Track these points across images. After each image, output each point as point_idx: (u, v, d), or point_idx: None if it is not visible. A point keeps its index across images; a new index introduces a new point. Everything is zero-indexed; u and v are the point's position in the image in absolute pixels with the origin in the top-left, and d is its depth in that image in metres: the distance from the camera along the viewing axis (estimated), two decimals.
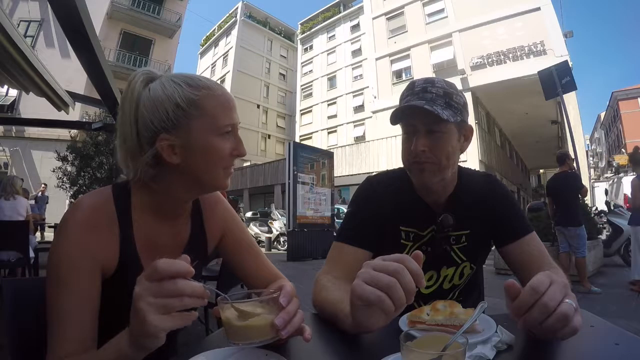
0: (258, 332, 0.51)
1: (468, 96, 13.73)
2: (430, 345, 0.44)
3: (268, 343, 0.52)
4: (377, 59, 19.94)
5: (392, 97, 18.01)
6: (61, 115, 4.89)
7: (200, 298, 0.46)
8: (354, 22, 25.75)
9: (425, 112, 0.81)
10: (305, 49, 29.72)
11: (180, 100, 0.64)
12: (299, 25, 31.17)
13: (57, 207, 8.97)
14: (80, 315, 0.59)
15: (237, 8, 31.23)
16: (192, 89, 0.65)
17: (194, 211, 0.80)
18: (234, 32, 30.28)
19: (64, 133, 10.24)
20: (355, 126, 24.00)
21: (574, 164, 4.87)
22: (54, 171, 9.22)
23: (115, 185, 0.72)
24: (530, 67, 12.80)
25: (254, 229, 11.14)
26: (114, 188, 0.71)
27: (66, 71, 9.33)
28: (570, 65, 7.02)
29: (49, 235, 7.46)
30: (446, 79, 0.91)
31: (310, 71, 28.63)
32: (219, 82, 0.76)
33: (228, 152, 0.68)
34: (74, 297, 0.59)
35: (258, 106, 30.01)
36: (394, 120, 0.89)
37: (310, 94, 28.12)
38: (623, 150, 28.29)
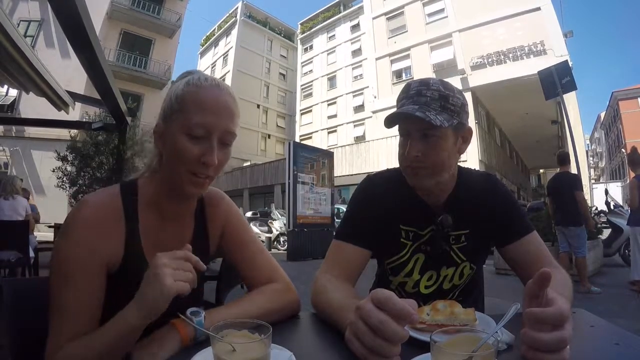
0: None
1: (468, 96, 13.71)
2: (460, 347, 0.45)
3: None
4: (377, 59, 19.93)
5: (392, 97, 17.88)
6: (61, 115, 4.88)
7: (199, 270, 0.59)
8: (354, 22, 25.71)
9: (419, 117, 0.80)
10: (305, 49, 29.67)
11: (175, 94, 0.68)
12: (299, 25, 31.12)
13: (57, 207, 8.94)
14: (82, 310, 0.61)
15: (237, 8, 31.19)
16: (187, 85, 0.68)
17: (197, 211, 0.80)
18: (234, 32, 30.25)
19: (64, 133, 10.19)
20: (355, 126, 23.95)
21: (574, 164, 4.87)
22: (54, 171, 9.18)
23: (122, 183, 0.74)
24: (530, 67, 12.79)
25: (254, 229, 11.12)
26: (121, 186, 0.73)
27: (66, 71, 9.29)
28: (570, 65, 7.01)
29: (46, 235, 7.43)
30: (445, 79, 0.89)
31: (310, 71, 28.57)
32: None
33: (193, 155, 0.66)
34: (77, 294, 0.61)
35: (258, 106, 29.97)
36: (388, 124, 0.88)
37: (310, 94, 28.07)
38: (623, 150, 28.30)
